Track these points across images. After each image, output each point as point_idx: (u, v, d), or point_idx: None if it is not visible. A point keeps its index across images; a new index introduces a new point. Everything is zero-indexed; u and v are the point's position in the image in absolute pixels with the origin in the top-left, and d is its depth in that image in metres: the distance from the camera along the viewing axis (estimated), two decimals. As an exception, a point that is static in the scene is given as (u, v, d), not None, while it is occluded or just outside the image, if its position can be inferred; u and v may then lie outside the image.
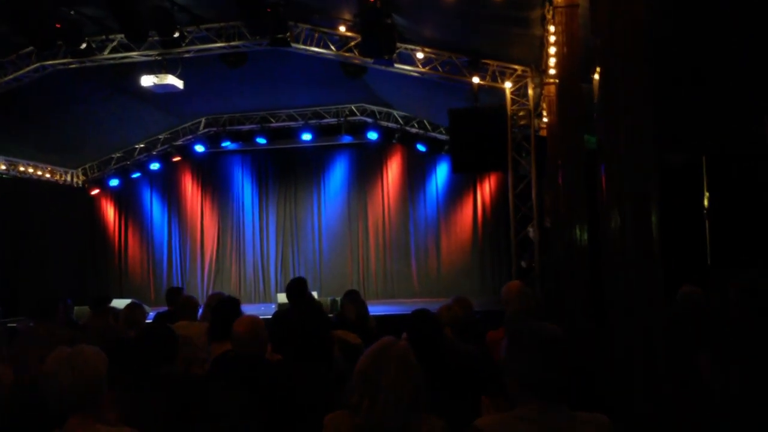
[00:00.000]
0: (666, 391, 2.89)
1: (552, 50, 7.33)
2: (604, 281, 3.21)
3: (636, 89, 3.14)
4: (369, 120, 13.32)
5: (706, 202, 7.41)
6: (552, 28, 7.11)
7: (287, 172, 14.21)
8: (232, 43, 9.37)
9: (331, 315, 7.73)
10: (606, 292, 3.19)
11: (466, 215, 13.34)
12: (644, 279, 2.95)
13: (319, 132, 13.43)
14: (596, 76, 3.38)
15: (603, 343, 3.26)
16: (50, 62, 9.60)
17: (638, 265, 2.97)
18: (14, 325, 7.13)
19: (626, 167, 3.08)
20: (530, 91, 9.45)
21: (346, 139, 13.55)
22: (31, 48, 9.44)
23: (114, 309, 5.46)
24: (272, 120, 13.62)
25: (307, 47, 9.39)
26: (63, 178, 14.13)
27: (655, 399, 2.88)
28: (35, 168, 13.23)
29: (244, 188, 14.42)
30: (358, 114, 13.34)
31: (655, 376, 2.89)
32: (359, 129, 13.31)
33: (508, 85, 9.50)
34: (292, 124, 13.58)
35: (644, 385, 2.91)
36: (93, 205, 14.74)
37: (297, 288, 5.88)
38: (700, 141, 7.24)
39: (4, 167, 12.44)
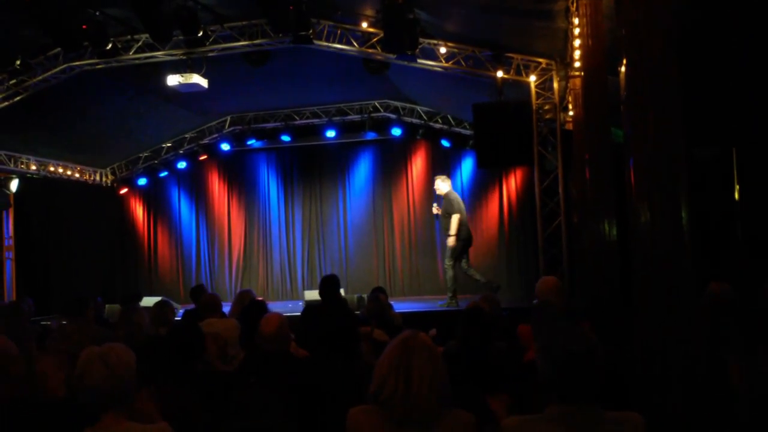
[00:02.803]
0: (696, 389, 2.85)
1: (577, 42, 7.25)
2: (634, 277, 3.16)
3: (663, 81, 3.09)
4: (393, 116, 13.30)
5: (737, 195, 7.29)
6: (576, 20, 7.04)
7: (312, 170, 14.24)
8: (256, 42, 9.41)
9: (357, 312, 7.77)
10: (635, 288, 3.15)
11: (491, 211, 13.25)
12: (675, 274, 2.91)
13: (343, 129, 13.46)
14: (622, 68, 3.33)
15: (633, 340, 3.22)
16: (77, 63, 9.72)
17: (669, 261, 2.92)
18: (47, 323, 7.27)
19: (655, 161, 3.03)
20: (555, 85, 9.35)
21: (370, 135, 13.54)
22: (58, 49, 9.58)
23: (143, 307, 5.54)
24: (296, 117, 13.67)
25: (330, 44, 9.39)
26: (92, 178, 14.32)
27: (684, 397, 2.84)
28: (65, 168, 13.44)
29: (270, 186, 14.48)
30: (381, 110, 13.33)
31: (685, 374, 2.85)
32: (383, 125, 13.31)
33: (532, 78, 9.42)
34: (316, 121, 13.62)
35: (674, 383, 2.87)
36: (122, 204, 14.91)
37: (330, 285, 5.94)
38: (730, 133, 7.12)
39: (34, 167, 12.65)
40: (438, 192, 9.95)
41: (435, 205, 10.13)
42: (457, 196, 9.94)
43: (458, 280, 9.80)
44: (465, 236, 9.64)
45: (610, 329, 4.76)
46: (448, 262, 9.68)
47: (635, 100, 3.21)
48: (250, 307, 4.75)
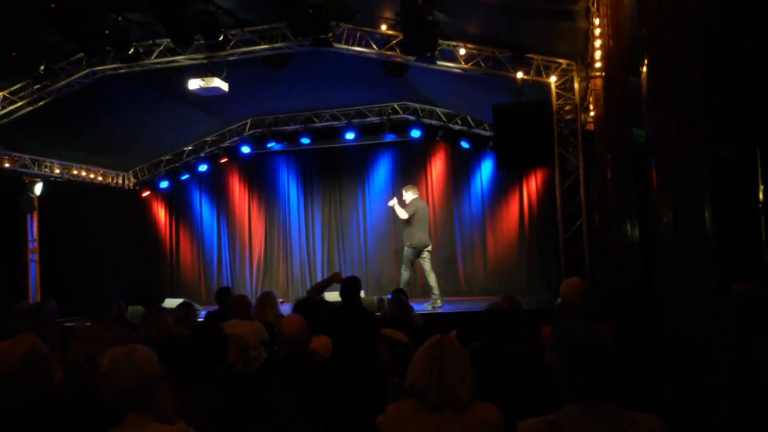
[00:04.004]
0: (719, 391, 2.82)
1: (597, 43, 7.21)
2: (656, 278, 3.14)
3: (685, 80, 3.07)
4: (412, 118, 13.29)
5: (761, 196, 7.19)
6: (597, 21, 7.00)
7: (332, 172, 14.28)
8: (276, 45, 9.46)
9: (378, 314, 7.79)
10: (658, 290, 3.12)
11: (512, 212, 13.19)
12: (698, 276, 2.88)
13: (362, 131, 13.47)
14: (644, 68, 3.31)
15: (655, 342, 3.20)
16: (100, 68, 9.84)
17: (692, 262, 2.89)
18: (70, 324, 7.36)
19: (677, 161, 3.00)
20: (576, 85, 9.29)
21: (390, 137, 13.54)
22: (81, 54, 9.71)
23: (165, 308, 5.58)
24: (316, 120, 13.72)
25: (349, 47, 9.42)
26: (115, 181, 14.49)
27: (707, 400, 2.81)
28: (88, 171, 13.60)
29: (290, 188, 14.54)
30: (400, 112, 13.33)
31: (708, 376, 2.82)
32: (402, 127, 13.30)
33: (553, 79, 9.37)
34: (335, 123, 13.65)
35: (697, 385, 2.84)
36: (144, 207, 15.07)
37: (352, 287, 5.96)
38: (753, 133, 7.03)
39: (58, 171, 12.83)
40: (405, 201, 10.53)
41: (395, 202, 10.65)
42: (419, 205, 10.44)
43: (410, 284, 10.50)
44: (416, 244, 10.14)
45: (632, 331, 4.73)
46: (404, 268, 10.28)
47: (657, 100, 3.19)
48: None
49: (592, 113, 8.69)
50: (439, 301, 10.04)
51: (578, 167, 9.37)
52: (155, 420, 2.38)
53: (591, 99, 8.71)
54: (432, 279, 10.14)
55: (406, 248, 10.24)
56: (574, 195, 9.42)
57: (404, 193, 10.61)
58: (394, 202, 10.58)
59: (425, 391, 2.43)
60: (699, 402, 2.83)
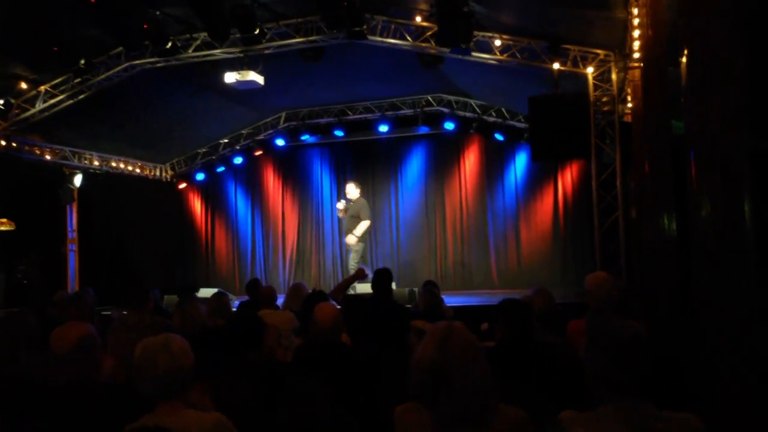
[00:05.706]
0: (758, 387, 2.76)
1: (636, 33, 7.10)
2: (694, 272, 3.08)
3: (726, 71, 3.00)
4: (446, 110, 13.24)
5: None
6: (635, 11, 6.89)
7: (365, 164, 14.30)
8: (310, 38, 9.50)
9: (409, 305, 7.79)
10: (695, 284, 3.07)
11: (546, 205, 13.07)
12: (737, 270, 2.82)
13: (395, 123, 13.46)
14: (683, 59, 3.24)
15: (692, 337, 3.14)
16: (138, 62, 10.01)
17: (730, 256, 2.84)
18: (107, 313, 7.52)
19: (717, 153, 2.94)
20: (614, 76, 9.15)
21: (423, 129, 13.51)
22: (120, 49, 9.88)
23: (199, 298, 5.67)
24: (350, 113, 13.75)
25: (384, 39, 9.41)
26: (152, 173, 14.72)
27: (746, 399, 2.76)
28: (126, 163, 13.85)
29: (323, 180, 14.62)
30: (434, 104, 13.28)
31: (748, 374, 2.76)
32: (436, 119, 13.25)
33: (590, 70, 9.23)
34: (369, 116, 13.66)
35: (734, 383, 2.78)
36: (181, 198, 15.31)
37: (383, 279, 5.98)
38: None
39: (97, 163, 13.08)
40: (348, 196, 10.66)
41: (342, 201, 10.82)
42: (366, 203, 10.66)
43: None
44: (368, 240, 10.61)
45: (669, 325, 4.65)
46: (354, 264, 10.23)
47: (696, 91, 3.13)
48: (312, 298, 4.83)
49: (629, 105, 8.55)
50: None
51: (615, 159, 9.24)
52: (187, 407, 2.41)
53: (629, 90, 8.56)
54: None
55: (360, 246, 10.36)
56: (611, 188, 9.29)
57: (353, 188, 10.67)
58: (342, 205, 10.68)
59: (433, 404, 2.09)
60: (737, 399, 2.77)
